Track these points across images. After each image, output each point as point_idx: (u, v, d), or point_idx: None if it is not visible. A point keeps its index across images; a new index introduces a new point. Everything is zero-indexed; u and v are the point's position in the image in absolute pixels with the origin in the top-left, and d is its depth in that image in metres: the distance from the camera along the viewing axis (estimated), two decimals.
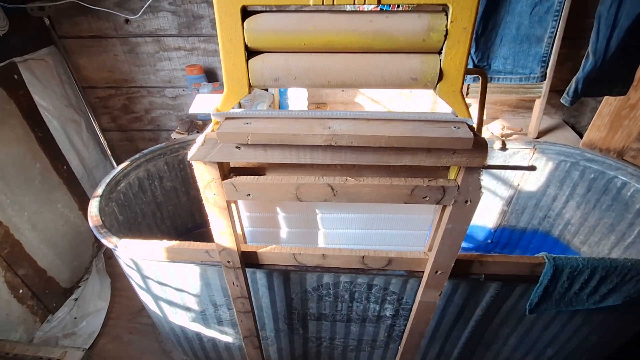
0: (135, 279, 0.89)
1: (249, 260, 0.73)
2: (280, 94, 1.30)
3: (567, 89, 0.78)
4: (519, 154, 1.28)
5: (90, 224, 0.84)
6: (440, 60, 0.44)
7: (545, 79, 0.72)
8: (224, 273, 0.72)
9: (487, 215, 1.45)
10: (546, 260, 0.68)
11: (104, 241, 0.79)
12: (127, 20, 1.32)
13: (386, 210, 0.72)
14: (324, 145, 0.46)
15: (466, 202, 0.56)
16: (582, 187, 1.22)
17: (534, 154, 1.27)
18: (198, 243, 0.73)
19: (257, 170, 0.60)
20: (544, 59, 0.70)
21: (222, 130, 0.47)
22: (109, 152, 1.62)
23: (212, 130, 0.51)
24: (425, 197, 0.56)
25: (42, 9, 1.24)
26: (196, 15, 1.32)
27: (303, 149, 0.49)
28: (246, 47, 0.45)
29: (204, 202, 0.60)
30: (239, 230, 0.73)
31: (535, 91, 1.27)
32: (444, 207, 0.61)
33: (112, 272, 1.46)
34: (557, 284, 0.69)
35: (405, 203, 0.57)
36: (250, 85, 0.47)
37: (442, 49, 0.43)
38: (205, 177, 0.56)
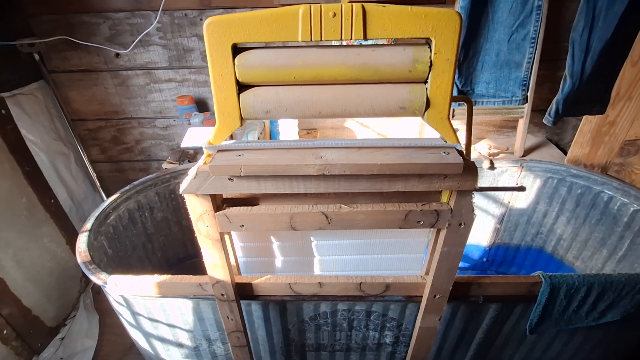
0: (125, 316, 0.85)
1: (243, 292, 0.71)
2: (271, 122, 1.32)
3: (549, 109, 0.81)
4: (507, 172, 1.31)
5: (79, 260, 0.82)
6: (427, 89, 0.45)
7: (526, 102, 0.75)
8: (217, 307, 0.70)
9: (481, 234, 1.45)
10: (542, 280, 0.68)
11: (92, 278, 0.76)
12: (117, 55, 1.34)
13: (381, 235, 0.72)
14: (317, 174, 0.46)
15: (460, 224, 0.56)
16: (571, 202, 1.25)
17: (521, 172, 1.30)
18: (190, 277, 0.71)
19: (250, 201, 0.60)
20: (524, 82, 0.73)
21: (215, 163, 0.47)
22: (98, 184, 1.60)
23: (205, 163, 0.51)
24: (420, 221, 0.56)
25: (31, 45, 1.25)
26: (186, 49, 1.35)
27: (296, 179, 0.49)
28: (237, 82, 0.46)
29: (197, 234, 0.59)
30: (232, 262, 0.71)
31: (518, 112, 1.32)
32: (438, 231, 0.61)
33: (101, 307, 1.41)
34: (555, 302, 0.69)
35: (399, 228, 0.57)
36: (242, 118, 0.48)
37: (427, 78, 0.45)
38: (198, 210, 0.55)
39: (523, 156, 1.43)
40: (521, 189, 0.59)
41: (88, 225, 0.94)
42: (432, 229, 0.67)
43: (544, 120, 0.83)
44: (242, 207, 0.56)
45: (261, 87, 0.47)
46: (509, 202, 1.37)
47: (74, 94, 1.42)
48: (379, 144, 0.48)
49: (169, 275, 0.71)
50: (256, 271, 0.77)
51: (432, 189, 0.50)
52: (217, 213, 0.56)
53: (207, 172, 0.49)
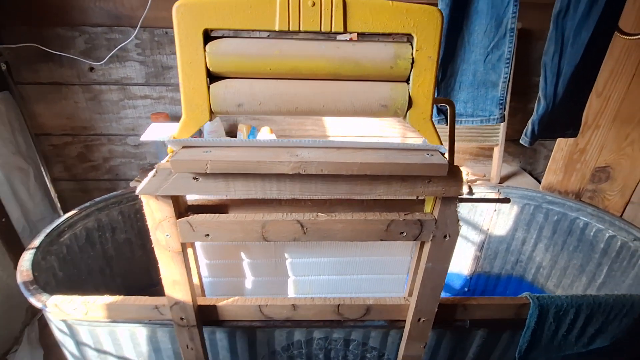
0: (68, 347, 0.74)
1: (207, 316, 0.63)
2: (250, 137, 1.29)
3: (525, 130, 0.82)
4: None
5: (19, 279, 0.72)
6: (409, 88, 0.44)
7: (504, 121, 0.77)
8: (176, 334, 0.61)
9: (461, 261, 1.43)
10: (530, 301, 0.64)
11: (31, 300, 0.66)
12: (91, 69, 1.29)
13: (361, 252, 0.67)
14: (292, 174, 0.42)
15: (445, 237, 0.53)
16: (548, 229, 1.25)
17: (499, 197, 1.30)
18: (146, 297, 0.63)
19: (218, 209, 0.54)
20: (501, 101, 0.75)
21: (177, 157, 0.42)
22: (58, 205, 1.48)
23: (167, 161, 0.46)
24: (403, 232, 0.52)
25: None
26: (165, 66, 1.32)
27: (269, 179, 0.45)
28: (208, 72, 0.42)
29: (154, 245, 0.52)
30: (195, 281, 0.64)
31: (493, 140, 1.35)
32: (422, 246, 0.58)
33: (47, 343, 1.24)
34: (544, 326, 0.65)
35: (381, 240, 0.53)
36: (211, 112, 0.44)
37: (409, 77, 0.43)
38: (157, 216, 0.49)
39: (500, 183, 1.45)
40: (506, 200, 0.57)
41: (36, 242, 0.84)
42: (414, 246, 0.63)
43: (520, 141, 0.84)
44: (208, 215, 0.51)
45: (234, 79, 0.43)
46: (488, 229, 1.36)
47: (41, 107, 1.34)
48: (359, 145, 0.44)
49: (121, 297, 0.62)
50: (223, 293, 0.69)
51: (415, 194, 0.47)
52: (179, 220, 0.50)
53: (169, 169, 0.44)
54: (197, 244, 0.64)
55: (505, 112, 0.76)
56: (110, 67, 1.29)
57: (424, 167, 0.42)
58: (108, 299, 0.62)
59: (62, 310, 0.63)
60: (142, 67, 1.31)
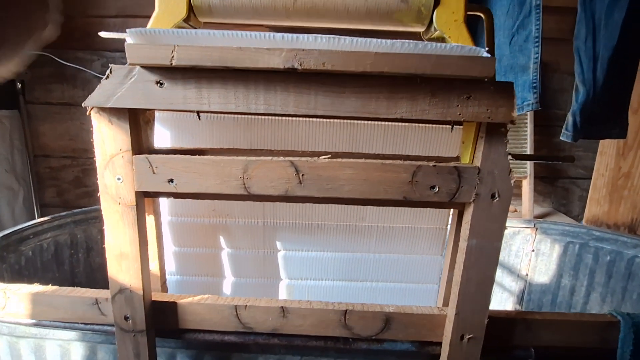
0: None
1: (161, 320, 0.45)
2: None
3: (565, 124, 0.71)
4: (520, 234, 1.13)
5: None
6: None
7: (540, 107, 0.67)
8: (117, 345, 0.44)
9: None
10: (620, 320, 0.45)
11: None
12: None
13: (376, 246, 0.52)
14: (285, 70, 0.31)
15: (493, 196, 0.38)
16: (601, 273, 1.04)
17: (536, 234, 1.12)
18: (84, 289, 0.47)
19: (192, 154, 0.42)
20: (534, 84, 0.66)
21: (137, 44, 0.32)
22: None
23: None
24: (434, 186, 0.38)
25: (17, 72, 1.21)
26: None
27: (255, 84, 0.34)
28: None
29: (101, 194, 0.39)
30: (154, 267, 0.48)
31: (521, 171, 1.23)
32: (460, 216, 0.43)
33: None
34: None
35: (404, 200, 0.39)
36: (190, 5, 0.35)
37: None
38: (108, 147, 0.37)
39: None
40: (570, 158, 0.43)
41: None
42: (445, 243, 0.47)
43: (562, 137, 0.72)
44: (175, 155, 0.39)
45: None
46: (527, 274, 1.15)
47: (46, 127, 1.32)
48: (374, 46, 0.34)
49: (53, 287, 0.47)
50: None
51: (450, 117, 0.34)
52: (137, 156, 0.38)
53: (126, 69, 0.34)
54: (164, 221, 0.50)
55: (539, 97, 0.66)
56: None
57: (462, 63, 0.31)
58: (35, 287, 0.47)
59: None
60: None
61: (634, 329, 0.44)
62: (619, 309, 1.08)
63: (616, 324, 0.45)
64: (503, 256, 1.16)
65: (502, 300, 1.16)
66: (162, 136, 0.45)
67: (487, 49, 0.33)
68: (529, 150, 1.27)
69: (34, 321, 0.46)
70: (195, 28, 0.39)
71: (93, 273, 0.98)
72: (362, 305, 0.46)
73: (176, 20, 0.35)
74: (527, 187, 1.21)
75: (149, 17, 0.38)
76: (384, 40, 0.33)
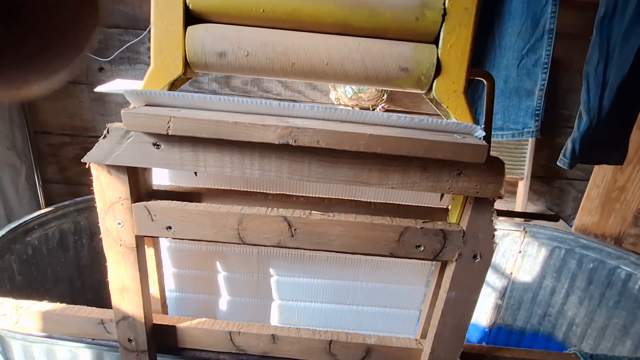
0: None
1: (162, 340, 0.49)
2: None
3: (563, 150, 0.71)
4: (509, 236, 1.16)
5: None
6: (438, 49, 0.34)
7: (540, 135, 0.67)
8: None
9: (479, 309, 1.24)
10: (581, 359, 0.49)
11: None
12: (101, 69, 1.27)
13: (364, 275, 0.54)
14: (279, 144, 0.32)
15: (475, 256, 0.40)
16: (582, 278, 1.08)
17: (524, 237, 1.16)
18: (91, 309, 0.50)
19: (189, 198, 0.44)
20: (537, 112, 0.65)
21: (134, 110, 0.32)
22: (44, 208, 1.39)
23: None
24: (419, 245, 0.40)
25: None
26: None
27: (250, 152, 0.34)
28: (187, 11, 0.34)
29: (103, 236, 0.41)
30: (155, 292, 0.52)
31: (517, 172, 1.23)
32: (443, 268, 0.45)
33: None
34: None
35: (390, 255, 0.41)
36: (186, 63, 0.35)
37: (439, 34, 0.34)
38: (108, 195, 0.39)
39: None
40: (555, 218, 0.45)
41: None
42: (432, 272, 0.50)
43: (558, 163, 0.73)
44: (172, 201, 0.40)
45: (218, 24, 0.35)
46: (511, 273, 1.20)
47: (46, 104, 1.31)
48: (371, 119, 0.34)
49: (61, 305, 0.50)
50: (191, 313, 0.57)
51: (439, 191, 0.35)
52: (136, 204, 0.39)
53: (123, 129, 0.34)
54: (164, 246, 0.52)
55: (540, 125, 0.66)
56: (120, 68, 1.26)
57: (454, 149, 0.32)
58: (45, 305, 0.50)
59: None
60: None
61: None
62: (594, 313, 1.14)
63: None
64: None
65: (484, 295, 1.22)
66: (160, 172, 0.46)
67: (483, 126, 0.33)
68: (529, 149, 1.26)
69: (45, 334, 0.50)
70: (190, 78, 0.39)
71: (97, 257, 1.03)
72: (346, 334, 0.50)
73: (172, 77, 0.35)
74: (522, 188, 1.22)
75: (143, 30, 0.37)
76: (379, 113, 0.33)
